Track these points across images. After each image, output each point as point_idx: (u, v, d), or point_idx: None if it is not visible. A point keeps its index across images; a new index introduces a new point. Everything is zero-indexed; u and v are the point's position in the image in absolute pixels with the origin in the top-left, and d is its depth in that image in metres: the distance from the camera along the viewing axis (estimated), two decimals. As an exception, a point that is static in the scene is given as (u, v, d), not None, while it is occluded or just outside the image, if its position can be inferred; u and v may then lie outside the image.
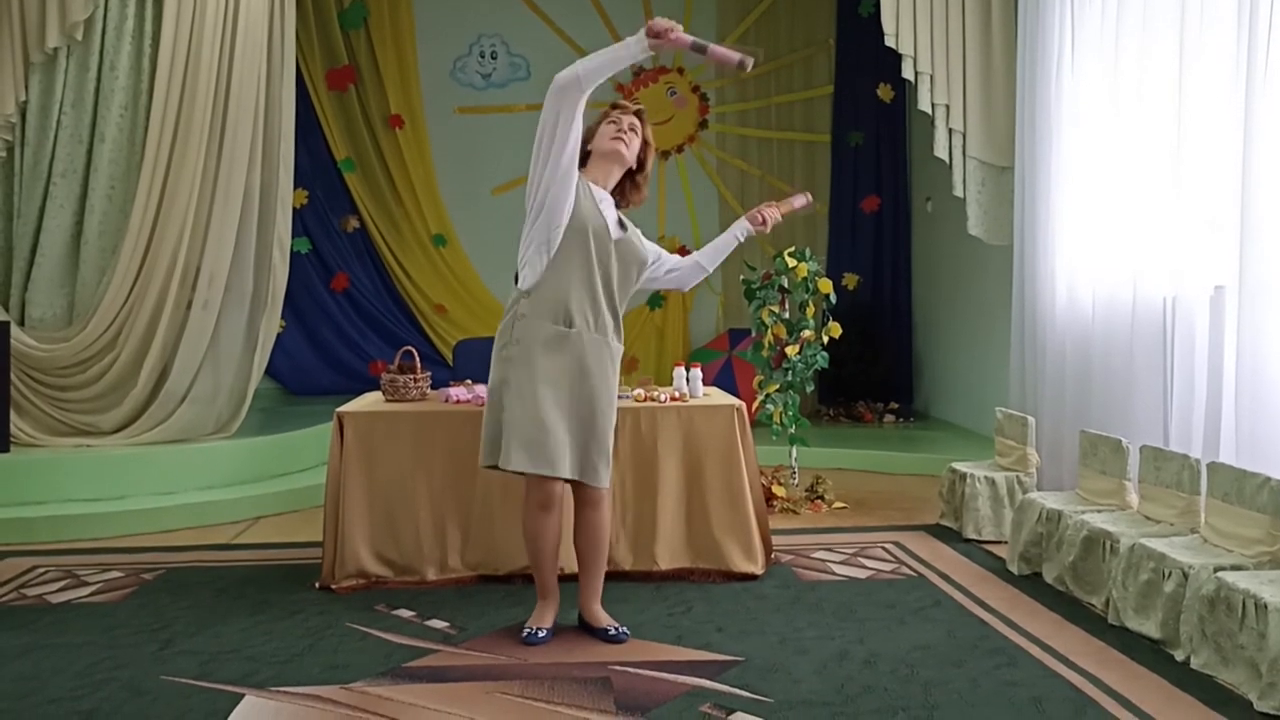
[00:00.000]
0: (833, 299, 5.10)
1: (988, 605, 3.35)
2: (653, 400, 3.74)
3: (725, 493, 3.65)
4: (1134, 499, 3.61)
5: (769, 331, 5.10)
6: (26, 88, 4.79)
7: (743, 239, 3.41)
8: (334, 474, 3.56)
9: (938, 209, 7.48)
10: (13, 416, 4.68)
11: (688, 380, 3.90)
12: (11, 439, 4.65)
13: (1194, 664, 2.76)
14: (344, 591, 3.50)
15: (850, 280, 8.00)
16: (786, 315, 5.15)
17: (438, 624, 3.17)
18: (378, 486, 3.58)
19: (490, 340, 3.06)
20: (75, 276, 4.92)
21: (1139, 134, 4.11)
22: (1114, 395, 4.17)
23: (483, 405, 3.09)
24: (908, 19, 5.13)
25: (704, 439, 3.67)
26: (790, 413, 5.07)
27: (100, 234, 4.90)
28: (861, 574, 3.72)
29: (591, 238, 2.92)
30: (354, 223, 8.00)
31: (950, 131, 5.20)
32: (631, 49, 2.76)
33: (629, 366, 7.82)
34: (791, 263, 5.06)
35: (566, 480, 2.95)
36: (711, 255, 3.39)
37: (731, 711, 2.48)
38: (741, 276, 5.44)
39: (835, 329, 5.13)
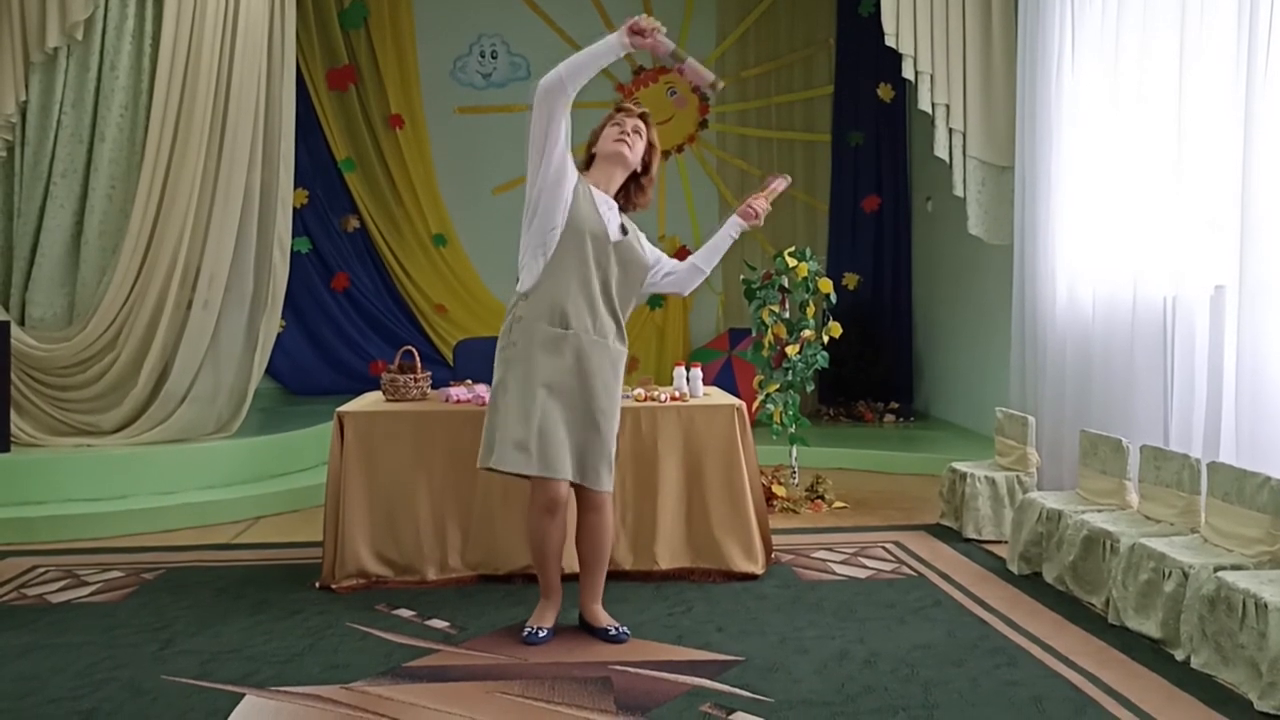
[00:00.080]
0: (833, 298, 5.10)
1: (988, 605, 3.35)
2: (653, 400, 3.74)
3: (725, 492, 3.65)
4: (1134, 499, 3.61)
5: (769, 331, 5.10)
6: (27, 87, 4.79)
7: (736, 235, 3.38)
8: (334, 474, 3.56)
9: (938, 209, 7.47)
10: (13, 416, 4.68)
11: (688, 380, 3.90)
12: (12, 439, 4.65)
13: (1194, 664, 2.76)
14: (344, 591, 3.50)
15: (850, 280, 7.99)
16: (787, 315, 5.15)
17: (438, 624, 3.17)
18: (378, 486, 3.58)
19: (490, 340, 3.07)
20: (75, 276, 4.92)
21: (1139, 134, 4.11)
22: (1114, 395, 4.17)
23: (483, 405, 3.09)
24: (908, 19, 5.12)
25: (704, 439, 3.67)
26: (790, 412, 5.07)
27: (100, 234, 4.90)
28: (862, 574, 3.73)
29: (589, 240, 2.91)
30: (354, 222, 8.00)
31: (950, 131, 5.20)
32: (612, 45, 2.78)
33: (629, 366, 7.79)
34: (792, 262, 5.06)
35: (570, 483, 2.94)
36: (707, 255, 3.36)
37: (732, 711, 2.48)
38: (742, 276, 5.44)
39: (835, 329, 5.13)
